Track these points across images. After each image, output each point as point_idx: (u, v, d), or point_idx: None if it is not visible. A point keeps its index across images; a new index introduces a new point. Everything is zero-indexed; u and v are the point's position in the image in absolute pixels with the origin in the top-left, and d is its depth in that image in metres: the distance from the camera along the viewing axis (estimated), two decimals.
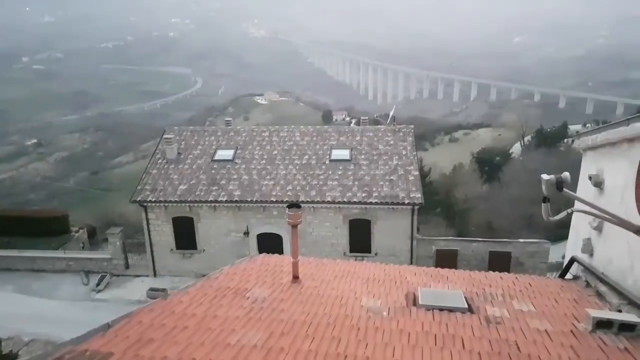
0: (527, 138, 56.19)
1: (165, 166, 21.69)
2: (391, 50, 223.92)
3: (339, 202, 19.31)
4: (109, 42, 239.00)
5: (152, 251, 21.23)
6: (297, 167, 20.94)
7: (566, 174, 2.88)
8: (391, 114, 27.09)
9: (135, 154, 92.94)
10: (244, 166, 21.23)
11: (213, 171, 21.14)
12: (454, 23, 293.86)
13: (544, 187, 2.90)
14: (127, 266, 22.43)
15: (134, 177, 25.73)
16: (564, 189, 2.87)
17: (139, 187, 20.72)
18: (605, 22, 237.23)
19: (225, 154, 21.98)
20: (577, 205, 3.75)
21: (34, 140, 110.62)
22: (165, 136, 22.74)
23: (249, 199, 19.67)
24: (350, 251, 20.18)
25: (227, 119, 29.83)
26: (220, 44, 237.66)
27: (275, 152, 21.95)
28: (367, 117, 33.32)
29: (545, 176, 2.90)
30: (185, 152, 22.38)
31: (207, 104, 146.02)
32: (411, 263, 19.59)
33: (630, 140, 4.71)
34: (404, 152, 21.42)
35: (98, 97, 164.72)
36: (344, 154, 21.51)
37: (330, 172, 20.54)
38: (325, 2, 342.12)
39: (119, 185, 68.93)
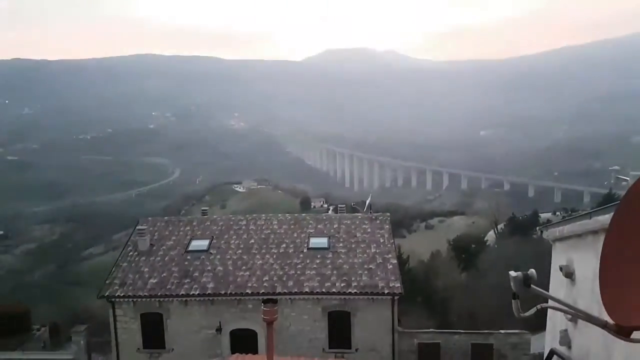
0: (500, 226, 57.23)
1: (137, 258, 21.04)
2: (365, 141, 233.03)
3: (317, 293, 18.83)
4: (87, 134, 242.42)
5: (117, 351, 19.88)
6: (275, 257, 20.60)
7: (532, 271, 2.94)
8: (367, 202, 27.52)
9: (107, 245, 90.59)
10: (219, 257, 20.78)
11: (186, 263, 20.56)
12: (422, 117, 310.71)
13: (512, 284, 2.95)
14: None
15: (104, 270, 24.89)
16: (532, 286, 2.92)
17: (107, 282, 19.89)
18: (565, 117, 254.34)
19: (199, 244, 21.57)
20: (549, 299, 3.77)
21: (0, 232, 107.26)
22: (138, 227, 22.29)
23: (222, 292, 18.99)
24: (330, 347, 19.29)
25: (203, 208, 29.74)
26: (200, 135, 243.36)
27: (252, 241, 21.67)
28: (344, 205, 33.79)
29: (513, 273, 2.96)
30: (158, 243, 21.89)
31: (184, 193, 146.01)
32: (393, 359, 18.82)
33: (594, 232, 4.87)
34: (381, 240, 21.44)
35: (72, 187, 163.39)
36: (322, 242, 21.36)
37: (308, 261, 20.24)
38: (302, 97, 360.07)
39: (88, 278, 66.19)
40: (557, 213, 75.66)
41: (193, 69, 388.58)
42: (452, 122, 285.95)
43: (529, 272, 2.83)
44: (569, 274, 5.61)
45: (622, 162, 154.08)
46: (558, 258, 6.30)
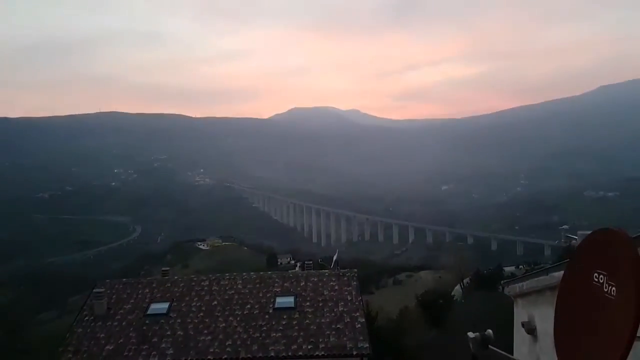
0: (466, 280, 57.49)
1: (92, 324, 19.87)
2: (332, 195, 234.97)
3: (283, 357, 18.11)
4: (45, 192, 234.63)
5: None
6: (238, 319, 19.85)
7: (489, 332, 2.96)
8: (334, 258, 27.29)
9: (62, 310, 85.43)
10: (179, 320, 19.86)
11: (145, 327, 19.54)
12: (386, 172, 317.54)
13: (471, 346, 2.95)
14: None
15: (58, 336, 23.36)
16: (490, 346, 2.93)
17: (60, 349, 18.61)
18: (522, 172, 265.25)
19: (159, 307, 20.60)
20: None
21: None
22: (95, 290, 21.26)
23: (182, 358, 18.03)
24: None
25: (164, 268, 28.73)
26: (163, 192, 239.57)
27: (215, 302, 20.88)
28: (311, 261, 33.30)
29: (471, 334, 2.97)
30: (116, 306, 20.82)
31: (145, 252, 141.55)
32: None
33: (552, 288, 4.98)
34: (349, 298, 21.09)
35: (27, 248, 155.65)
36: (288, 301, 20.79)
37: (273, 322, 19.59)
38: (270, 153, 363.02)
39: (40, 345, 61.72)
40: (520, 267, 76.89)
41: (158, 126, 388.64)
42: (415, 177, 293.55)
43: (486, 332, 2.84)
44: (530, 330, 5.65)
45: (577, 215, 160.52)
46: (520, 314, 6.36)
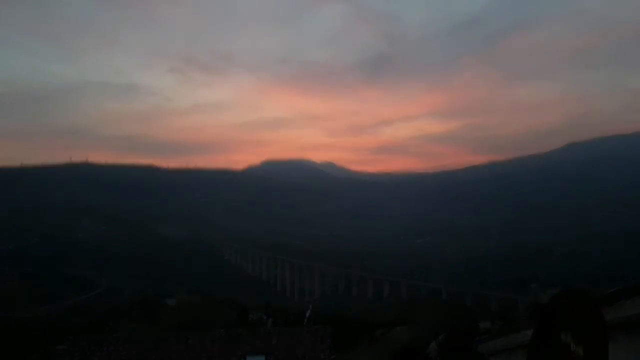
0: (442, 337, 56.80)
1: None
2: (306, 248, 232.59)
3: None
4: (9, 244, 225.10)
5: None
6: None
7: None
8: (308, 314, 26.86)
9: None
10: None
11: None
12: (360, 225, 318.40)
13: None
14: None
15: None
16: None
17: None
18: (494, 227, 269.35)
19: None
20: None
21: None
22: (57, 347, 20.23)
23: None
24: None
25: (130, 325, 27.73)
26: (132, 245, 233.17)
27: None
28: (284, 318, 32.60)
29: None
30: None
31: (111, 307, 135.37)
32: None
33: (525, 346, 5.02)
34: (322, 356, 20.59)
35: None
36: None
37: None
38: (243, 205, 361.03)
39: None
40: (495, 322, 76.51)
41: (129, 177, 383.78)
42: (390, 231, 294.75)
43: None
44: None
45: (550, 270, 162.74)
46: None
